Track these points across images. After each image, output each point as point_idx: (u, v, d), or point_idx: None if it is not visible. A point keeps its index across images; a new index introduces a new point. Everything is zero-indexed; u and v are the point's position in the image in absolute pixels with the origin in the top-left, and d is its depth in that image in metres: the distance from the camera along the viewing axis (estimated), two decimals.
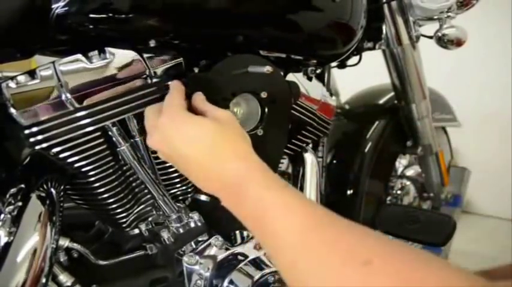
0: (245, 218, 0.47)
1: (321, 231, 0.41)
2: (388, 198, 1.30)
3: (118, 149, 0.63)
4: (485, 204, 2.22)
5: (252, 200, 0.46)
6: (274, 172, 0.68)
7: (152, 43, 0.59)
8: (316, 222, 0.42)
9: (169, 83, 0.59)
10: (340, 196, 1.12)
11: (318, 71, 0.81)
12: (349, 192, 1.12)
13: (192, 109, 0.56)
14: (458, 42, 0.95)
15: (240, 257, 0.70)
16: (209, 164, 0.50)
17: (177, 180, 0.70)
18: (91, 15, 0.54)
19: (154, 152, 0.67)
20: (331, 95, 0.91)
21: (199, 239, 0.72)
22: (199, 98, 0.57)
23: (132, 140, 0.64)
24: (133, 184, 0.68)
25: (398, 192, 1.35)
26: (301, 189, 0.85)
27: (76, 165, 0.60)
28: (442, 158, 1.31)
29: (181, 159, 0.52)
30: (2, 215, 0.56)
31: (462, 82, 2.02)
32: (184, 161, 0.52)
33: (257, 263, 0.70)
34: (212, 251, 0.69)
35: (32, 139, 0.55)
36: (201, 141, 0.51)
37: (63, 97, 0.55)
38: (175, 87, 0.58)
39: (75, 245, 0.67)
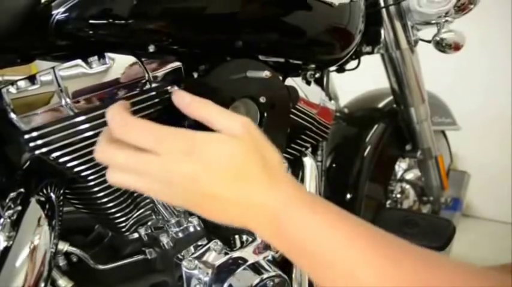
0: (288, 247, 0.43)
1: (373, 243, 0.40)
2: (388, 202, 1.30)
3: None
4: (485, 207, 2.22)
5: (295, 229, 0.41)
6: None
7: (151, 48, 0.60)
8: (364, 235, 0.40)
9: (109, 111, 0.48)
10: (340, 200, 1.12)
11: (317, 75, 0.81)
12: (348, 196, 1.12)
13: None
14: (456, 47, 0.95)
15: (239, 262, 0.70)
16: (244, 201, 0.42)
17: None
18: (91, 21, 0.54)
19: None
20: (330, 99, 0.92)
21: (199, 243, 0.72)
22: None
23: None
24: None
25: (398, 196, 1.35)
26: None
27: (76, 169, 0.60)
28: (442, 161, 1.31)
29: (207, 200, 0.43)
30: (2, 220, 0.56)
31: (462, 86, 2.02)
32: (210, 201, 0.43)
33: (256, 268, 0.70)
34: (211, 255, 0.69)
35: (31, 144, 0.55)
36: (227, 175, 0.42)
37: (63, 102, 0.55)
38: (119, 110, 0.46)
39: (75, 250, 0.67)
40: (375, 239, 0.40)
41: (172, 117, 0.63)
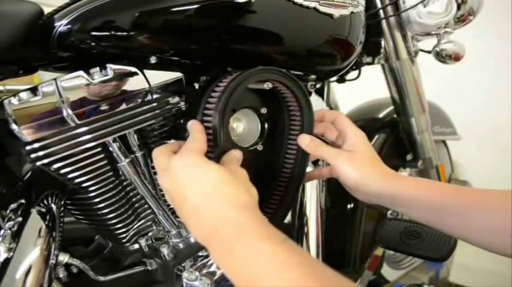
0: (233, 271, 0.44)
1: None
2: (389, 212, 1.29)
3: (118, 165, 0.63)
4: None
5: (244, 252, 0.43)
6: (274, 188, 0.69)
7: (153, 60, 0.60)
8: (312, 280, 0.40)
9: (189, 124, 0.57)
10: (341, 210, 1.11)
11: (318, 85, 0.81)
12: (349, 206, 1.12)
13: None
14: (456, 57, 0.96)
15: None
16: (203, 208, 0.47)
17: None
18: (93, 33, 0.55)
19: (154, 167, 0.68)
20: (331, 109, 0.92)
21: (200, 254, 0.72)
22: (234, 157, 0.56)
23: (132, 156, 0.64)
24: (134, 199, 0.68)
25: None
26: (302, 204, 0.85)
27: (76, 180, 0.60)
28: (443, 171, 1.31)
29: (180, 199, 0.50)
30: (2, 231, 0.56)
31: (462, 95, 2.02)
32: (181, 201, 0.50)
33: None
34: (212, 267, 0.69)
35: (33, 155, 0.55)
36: (202, 183, 0.49)
37: (65, 113, 0.56)
38: (198, 131, 0.55)
39: (75, 261, 0.67)
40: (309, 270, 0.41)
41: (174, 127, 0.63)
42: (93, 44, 0.56)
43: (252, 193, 0.51)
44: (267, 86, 0.63)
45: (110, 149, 0.62)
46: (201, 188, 0.49)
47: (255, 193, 0.51)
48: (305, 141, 0.65)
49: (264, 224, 0.45)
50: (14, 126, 0.54)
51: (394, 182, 0.60)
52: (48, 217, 0.59)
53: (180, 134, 0.65)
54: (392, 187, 0.60)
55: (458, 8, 0.92)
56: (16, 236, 0.56)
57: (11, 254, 0.54)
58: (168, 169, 0.52)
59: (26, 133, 0.55)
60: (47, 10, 0.58)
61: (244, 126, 0.67)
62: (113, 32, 0.55)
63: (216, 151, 0.56)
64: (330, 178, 1.13)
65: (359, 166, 0.62)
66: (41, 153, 0.55)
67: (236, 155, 0.57)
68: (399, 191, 0.59)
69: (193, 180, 0.49)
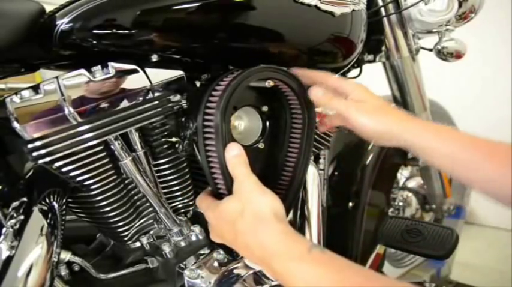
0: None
1: None
2: (390, 210, 1.29)
3: (120, 163, 0.63)
4: (487, 215, 2.21)
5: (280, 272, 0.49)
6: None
7: (154, 58, 0.60)
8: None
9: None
10: (342, 208, 1.11)
11: None
12: (350, 204, 1.12)
13: None
14: (458, 55, 0.95)
15: (241, 271, 0.69)
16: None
17: (179, 193, 0.71)
18: (94, 31, 0.55)
19: (156, 165, 0.68)
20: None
21: (201, 252, 0.72)
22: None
23: (134, 154, 0.64)
24: (135, 197, 0.68)
25: (400, 204, 1.35)
26: (303, 202, 0.85)
27: (78, 179, 0.60)
28: None
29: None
30: (4, 229, 0.56)
31: (463, 94, 2.02)
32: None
33: (258, 277, 0.70)
34: (214, 264, 0.69)
35: (34, 153, 0.55)
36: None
37: (66, 111, 0.56)
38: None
39: (76, 259, 0.67)
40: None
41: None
42: (94, 42, 0.56)
43: (271, 199, 0.55)
44: (268, 84, 0.63)
45: (112, 147, 0.62)
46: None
47: (274, 197, 0.55)
48: (318, 93, 0.64)
49: (295, 240, 0.51)
50: (15, 125, 0.54)
51: (409, 127, 0.61)
52: (50, 215, 0.59)
53: (182, 132, 0.65)
54: (407, 131, 0.61)
55: (460, 5, 0.92)
56: (18, 234, 0.56)
57: (13, 252, 0.54)
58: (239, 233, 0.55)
59: (27, 131, 0.55)
60: (48, 8, 0.58)
61: (246, 124, 0.67)
62: (114, 31, 0.55)
63: (217, 149, 0.57)
64: (331, 176, 1.13)
65: (372, 114, 0.63)
66: (42, 151, 0.55)
67: (237, 154, 0.58)
68: (414, 137, 0.60)
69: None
